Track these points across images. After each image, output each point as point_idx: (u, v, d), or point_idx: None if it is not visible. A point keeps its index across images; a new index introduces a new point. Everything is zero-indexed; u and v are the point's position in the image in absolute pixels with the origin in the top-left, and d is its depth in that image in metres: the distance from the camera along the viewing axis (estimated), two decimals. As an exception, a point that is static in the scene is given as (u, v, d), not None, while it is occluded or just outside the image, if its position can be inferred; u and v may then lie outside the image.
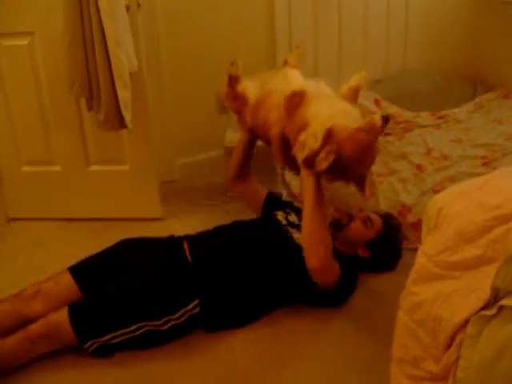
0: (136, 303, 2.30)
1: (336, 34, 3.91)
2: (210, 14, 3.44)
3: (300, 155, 2.27)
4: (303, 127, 2.27)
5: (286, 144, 2.39)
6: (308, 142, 2.23)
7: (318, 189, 2.33)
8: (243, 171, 2.96)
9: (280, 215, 2.73)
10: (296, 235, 2.54)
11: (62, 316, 2.24)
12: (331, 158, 2.12)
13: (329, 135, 2.15)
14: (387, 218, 2.75)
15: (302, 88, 2.36)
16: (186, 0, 3.36)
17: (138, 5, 2.86)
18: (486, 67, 4.44)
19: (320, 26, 3.83)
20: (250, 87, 2.68)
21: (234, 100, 2.74)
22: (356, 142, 2.13)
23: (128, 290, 2.34)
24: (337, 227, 2.66)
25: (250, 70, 3.58)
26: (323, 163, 2.14)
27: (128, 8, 2.76)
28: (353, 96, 2.43)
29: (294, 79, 2.53)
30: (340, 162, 2.14)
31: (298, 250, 2.44)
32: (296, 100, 2.32)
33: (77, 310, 2.26)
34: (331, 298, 2.49)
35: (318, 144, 2.16)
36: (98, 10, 2.57)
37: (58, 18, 2.67)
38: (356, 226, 2.65)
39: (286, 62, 2.74)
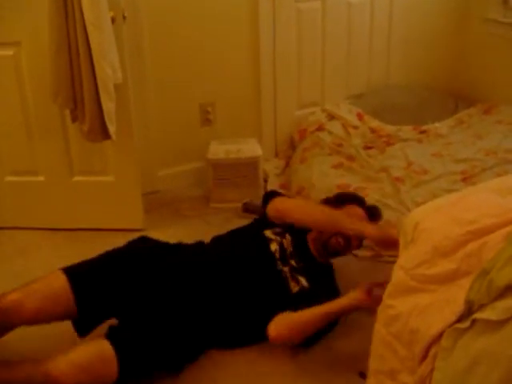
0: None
1: (319, 48, 3.96)
2: (195, 27, 3.47)
3: None
4: None
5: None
6: None
7: (344, 311, 2.32)
8: None
9: (273, 245, 2.53)
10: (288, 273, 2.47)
11: (106, 349, 2.07)
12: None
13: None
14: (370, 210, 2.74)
15: None
16: (172, 13, 3.38)
17: (124, 17, 2.87)
18: (468, 83, 4.49)
19: (304, 40, 3.88)
20: None
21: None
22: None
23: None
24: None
25: (235, 78, 3.62)
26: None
27: (114, 20, 2.77)
28: None
29: None
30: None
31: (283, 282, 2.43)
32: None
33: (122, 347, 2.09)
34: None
35: None
36: (83, 21, 2.58)
37: (44, 28, 2.67)
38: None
39: None
